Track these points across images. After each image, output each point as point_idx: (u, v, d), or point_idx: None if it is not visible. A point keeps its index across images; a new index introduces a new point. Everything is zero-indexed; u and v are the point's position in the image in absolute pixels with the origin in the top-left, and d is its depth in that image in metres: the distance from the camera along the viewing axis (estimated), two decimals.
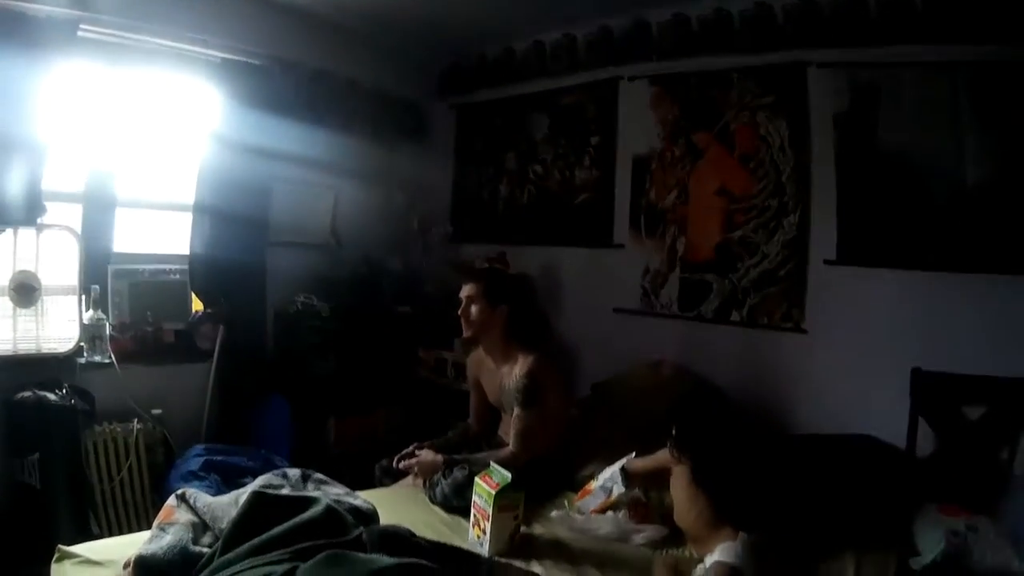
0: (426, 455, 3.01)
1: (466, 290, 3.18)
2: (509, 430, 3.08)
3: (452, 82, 5.29)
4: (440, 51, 5.17)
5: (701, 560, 2.25)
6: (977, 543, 2.47)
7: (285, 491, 2.31)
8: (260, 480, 2.40)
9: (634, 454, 2.78)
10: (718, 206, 3.92)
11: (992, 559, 2.44)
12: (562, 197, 4.67)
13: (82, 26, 3.51)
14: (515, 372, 3.04)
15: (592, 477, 2.87)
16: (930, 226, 3.30)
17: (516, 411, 3.00)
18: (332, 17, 4.48)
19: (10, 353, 3.27)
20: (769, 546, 2.25)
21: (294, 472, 2.53)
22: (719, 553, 2.14)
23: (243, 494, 2.21)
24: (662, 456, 2.54)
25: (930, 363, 3.15)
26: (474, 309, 3.13)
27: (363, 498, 2.41)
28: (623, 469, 2.72)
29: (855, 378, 3.43)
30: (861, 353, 3.43)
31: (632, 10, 4.15)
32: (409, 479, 3.08)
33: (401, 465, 3.06)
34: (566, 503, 2.90)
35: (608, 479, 2.76)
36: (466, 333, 3.20)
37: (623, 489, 2.70)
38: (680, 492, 2.39)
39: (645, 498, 2.79)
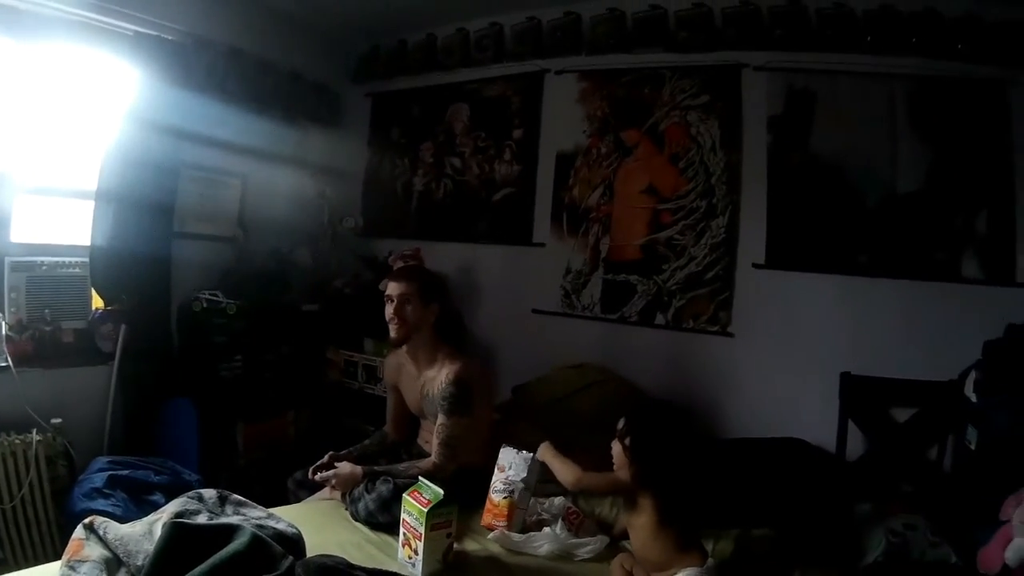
0: (344, 467, 2.85)
1: (398, 288, 2.99)
2: (430, 438, 2.95)
3: (369, 68, 5.09)
4: (359, 34, 4.98)
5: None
6: (916, 540, 2.65)
7: (202, 518, 2.13)
8: (174, 505, 2.20)
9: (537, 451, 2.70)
10: (645, 205, 3.88)
11: (931, 555, 2.62)
12: (480, 192, 4.56)
13: None
14: (440, 378, 2.90)
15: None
16: (860, 232, 3.37)
17: (441, 419, 2.86)
18: None
19: None
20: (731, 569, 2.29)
21: (210, 493, 2.34)
22: None
23: (157, 522, 2.04)
24: (612, 478, 2.39)
25: (858, 366, 3.27)
26: (409, 309, 2.95)
27: (287, 521, 2.25)
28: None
29: (783, 382, 3.48)
30: (789, 357, 3.48)
31: (564, 2, 4.07)
32: (325, 491, 2.94)
33: (317, 477, 2.90)
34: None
35: (508, 480, 2.70)
36: (398, 334, 2.99)
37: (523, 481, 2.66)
38: (644, 522, 2.28)
39: (575, 506, 2.75)
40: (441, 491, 2.30)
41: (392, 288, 3.01)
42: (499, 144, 4.48)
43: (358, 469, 2.81)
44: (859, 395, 3.25)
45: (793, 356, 3.46)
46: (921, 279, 3.22)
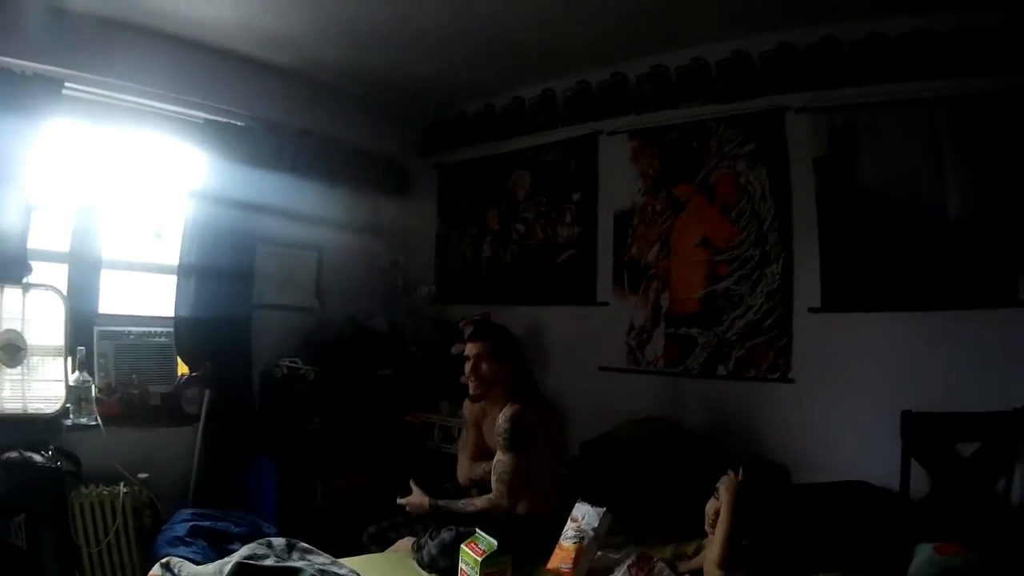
0: (415, 497, 3.02)
1: (474, 348, 3.15)
2: None
3: (434, 140, 5.32)
4: (422, 108, 5.22)
5: None
6: None
7: (269, 561, 2.25)
8: (244, 550, 2.33)
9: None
10: (701, 258, 3.93)
11: None
12: (545, 255, 4.67)
13: (67, 84, 3.57)
14: (499, 418, 3.03)
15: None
16: (913, 266, 3.32)
17: (498, 455, 2.97)
18: (314, 76, 4.57)
19: None
20: None
21: (279, 541, 2.46)
22: None
23: (227, 564, 2.16)
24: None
25: (920, 403, 3.17)
26: (485, 367, 3.11)
27: (349, 567, 2.36)
28: None
29: (845, 424, 3.43)
30: (850, 398, 3.43)
31: (610, 64, 4.19)
32: (399, 544, 3.03)
33: (398, 501, 3.08)
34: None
35: (580, 529, 2.71)
36: (476, 391, 3.16)
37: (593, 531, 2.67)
38: None
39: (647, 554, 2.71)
40: (495, 542, 2.38)
41: (468, 348, 3.18)
42: (560, 207, 4.60)
43: (426, 500, 2.99)
44: (921, 432, 3.16)
45: (854, 398, 3.40)
46: (977, 307, 3.15)
